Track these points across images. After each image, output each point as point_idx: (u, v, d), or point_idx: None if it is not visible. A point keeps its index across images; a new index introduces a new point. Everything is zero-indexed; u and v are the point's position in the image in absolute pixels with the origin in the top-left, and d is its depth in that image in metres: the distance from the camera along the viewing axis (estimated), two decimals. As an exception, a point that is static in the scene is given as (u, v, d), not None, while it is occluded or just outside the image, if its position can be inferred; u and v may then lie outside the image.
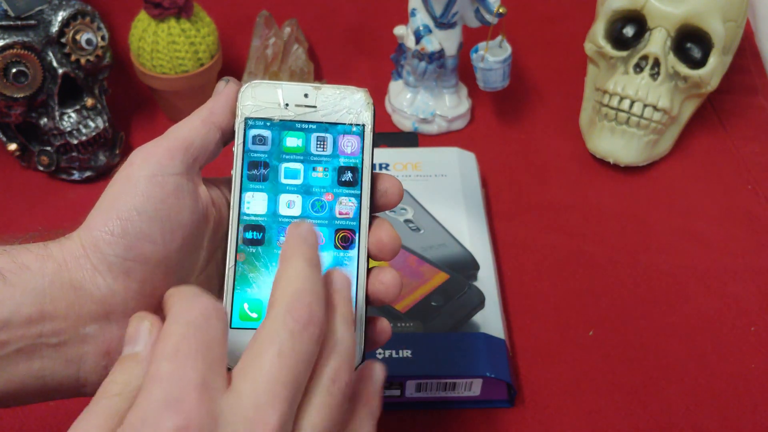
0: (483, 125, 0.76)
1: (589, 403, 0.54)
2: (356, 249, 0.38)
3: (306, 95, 0.39)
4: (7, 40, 0.62)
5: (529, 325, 0.59)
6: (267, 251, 0.38)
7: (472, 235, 0.61)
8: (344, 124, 0.39)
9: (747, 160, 0.72)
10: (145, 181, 0.35)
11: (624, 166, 0.71)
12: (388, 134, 0.73)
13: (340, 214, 0.38)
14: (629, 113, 0.68)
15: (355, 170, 0.39)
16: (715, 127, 0.75)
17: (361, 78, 0.80)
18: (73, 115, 0.66)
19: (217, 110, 0.38)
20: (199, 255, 0.38)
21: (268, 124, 0.39)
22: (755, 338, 0.58)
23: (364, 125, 0.39)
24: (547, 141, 0.74)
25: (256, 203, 0.38)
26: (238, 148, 0.38)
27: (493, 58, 0.69)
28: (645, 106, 0.67)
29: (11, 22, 0.62)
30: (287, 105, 0.39)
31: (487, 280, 0.58)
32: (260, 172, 0.38)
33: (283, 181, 0.38)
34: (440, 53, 0.70)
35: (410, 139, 0.73)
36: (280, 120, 0.39)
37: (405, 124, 0.74)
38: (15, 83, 0.62)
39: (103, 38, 0.68)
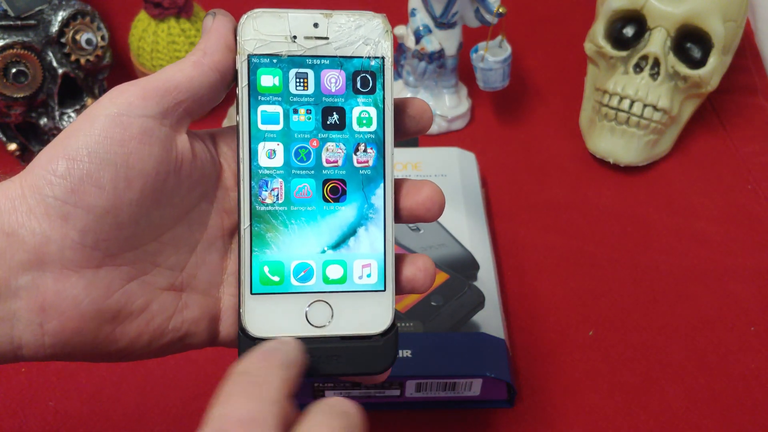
0: (483, 125, 0.76)
1: (589, 403, 0.54)
2: (382, 197, 0.35)
3: (316, 25, 0.34)
4: (7, 40, 0.62)
5: (529, 325, 0.59)
6: (285, 207, 0.34)
7: (472, 235, 0.61)
8: (361, 57, 0.35)
9: (747, 160, 0.72)
10: (106, 119, 0.31)
11: (624, 166, 0.71)
12: (388, 134, 0.73)
13: (359, 162, 0.35)
14: (629, 113, 0.68)
15: (376, 110, 0.35)
16: (715, 127, 0.75)
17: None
18: (73, 115, 0.66)
19: (210, 49, 0.33)
20: (165, 214, 0.33)
21: (275, 61, 0.34)
22: (755, 338, 0.58)
23: (383, 58, 0.35)
24: (547, 141, 0.74)
25: (268, 153, 0.34)
26: (242, 91, 0.34)
27: (493, 58, 0.69)
28: (645, 106, 0.67)
29: (11, 22, 0.62)
30: (295, 38, 0.34)
31: (487, 280, 0.58)
32: (271, 117, 0.34)
33: (297, 127, 0.34)
34: (440, 53, 0.70)
35: (410, 139, 0.73)
36: (289, 56, 0.34)
37: (405, 124, 0.74)
38: (15, 83, 0.62)
39: (103, 38, 0.68)
